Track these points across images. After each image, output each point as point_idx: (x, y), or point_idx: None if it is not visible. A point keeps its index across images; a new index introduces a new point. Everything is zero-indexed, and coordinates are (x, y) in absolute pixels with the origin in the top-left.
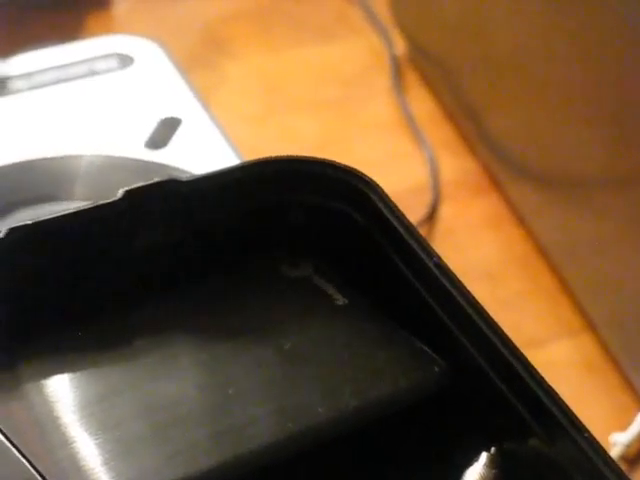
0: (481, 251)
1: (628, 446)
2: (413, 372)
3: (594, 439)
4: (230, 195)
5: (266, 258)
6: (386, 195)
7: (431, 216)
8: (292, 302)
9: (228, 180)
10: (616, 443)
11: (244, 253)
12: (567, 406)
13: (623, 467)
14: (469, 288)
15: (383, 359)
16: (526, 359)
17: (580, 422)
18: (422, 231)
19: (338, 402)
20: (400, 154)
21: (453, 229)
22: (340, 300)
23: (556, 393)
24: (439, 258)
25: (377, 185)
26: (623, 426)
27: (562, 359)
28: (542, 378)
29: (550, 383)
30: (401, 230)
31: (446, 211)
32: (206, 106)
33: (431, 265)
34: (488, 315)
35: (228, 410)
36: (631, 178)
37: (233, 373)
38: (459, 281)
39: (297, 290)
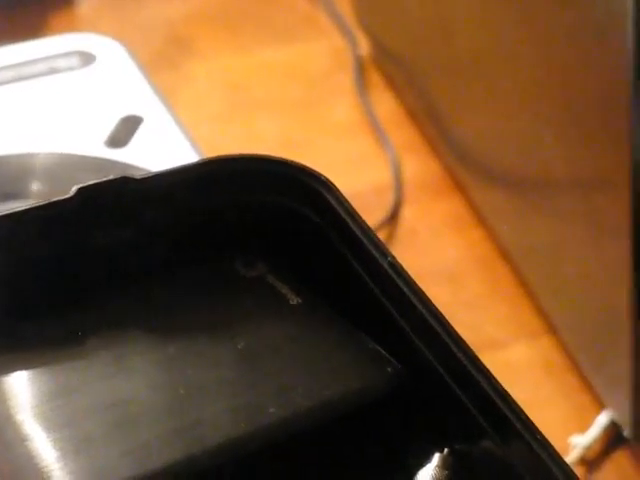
0: (443, 253)
1: (587, 448)
2: (366, 373)
3: (546, 441)
4: (185, 193)
5: (221, 257)
6: (341, 194)
7: (393, 217)
8: (246, 301)
9: (183, 178)
10: (575, 445)
11: (199, 251)
12: (520, 408)
13: (583, 469)
14: (430, 290)
15: (336, 359)
16: (480, 361)
17: (533, 424)
18: (383, 232)
19: (290, 402)
20: (363, 155)
21: (415, 230)
22: (294, 300)
23: (509, 395)
24: (393, 257)
25: (332, 184)
26: (583, 428)
27: (522, 361)
28: (496, 380)
29: (509, 385)
30: (355, 229)
31: (408, 213)
32: (168, 105)
33: (385, 265)
34: (442, 316)
35: (180, 409)
36: (591, 182)
37: (186, 372)
38: (413, 281)
39: (251, 289)
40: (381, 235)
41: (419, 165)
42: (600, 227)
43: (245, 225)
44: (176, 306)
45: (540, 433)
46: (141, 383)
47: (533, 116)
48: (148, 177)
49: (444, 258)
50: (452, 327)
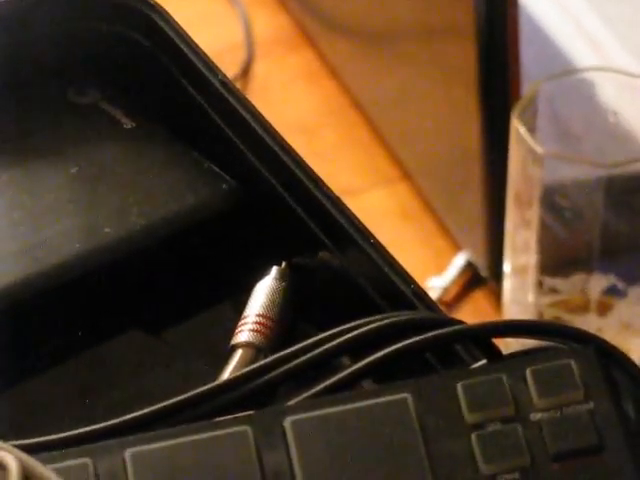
0: (297, 106)
1: (445, 289)
2: (201, 190)
3: (380, 244)
4: (8, 24)
5: (52, 85)
6: (170, 17)
7: (245, 73)
8: (79, 128)
9: (8, 11)
10: (433, 287)
11: (29, 81)
12: (354, 215)
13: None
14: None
15: (171, 179)
16: (315, 173)
17: (367, 230)
18: None
19: (126, 222)
20: (213, 13)
21: (268, 85)
22: (128, 124)
23: (343, 203)
24: (224, 76)
25: (161, 7)
26: (441, 271)
27: (379, 207)
28: (330, 190)
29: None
30: (186, 51)
31: (260, 68)
32: None
33: (217, 83)
34: (275, 130)
35: (16, 233)
36: (437, 30)
37: (20, 197)
38: (245, 98)
39: (84, 116)
40: None
41: (270, 20)
42: (448, 73)
43: (75, 53)
44: (7, 135)
45: (374, 237)
46: None
47: None
48: None
49: (298, 111)
50: (286, 142)
